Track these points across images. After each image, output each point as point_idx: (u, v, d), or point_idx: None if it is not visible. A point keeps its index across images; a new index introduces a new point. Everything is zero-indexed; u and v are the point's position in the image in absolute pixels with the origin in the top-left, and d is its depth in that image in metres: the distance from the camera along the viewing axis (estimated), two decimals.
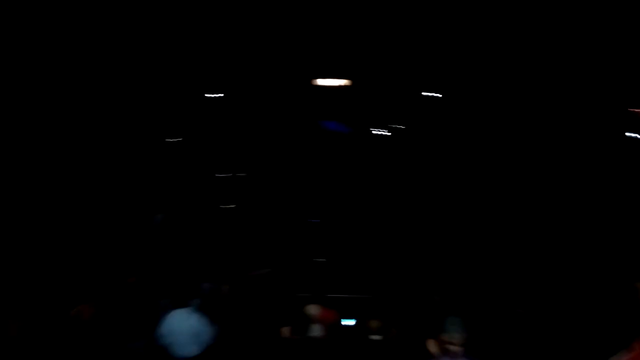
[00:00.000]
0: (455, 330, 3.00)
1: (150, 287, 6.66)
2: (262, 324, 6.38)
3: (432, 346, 3.05)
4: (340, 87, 13.53)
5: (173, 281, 7.07)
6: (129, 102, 12.73)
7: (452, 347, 2.96)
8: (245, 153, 14.70)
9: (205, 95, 13.65)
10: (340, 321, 6.54)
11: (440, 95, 13.66)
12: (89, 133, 11.92)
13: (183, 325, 5.58)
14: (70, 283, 7.03)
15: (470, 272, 9.44)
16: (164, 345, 5.66)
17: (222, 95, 14.15)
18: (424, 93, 13.73)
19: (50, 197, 10.47)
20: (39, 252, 8.49)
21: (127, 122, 12.95)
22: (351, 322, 6.59)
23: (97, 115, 12.02)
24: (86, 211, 10.78)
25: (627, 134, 10.82)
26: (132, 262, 7.49)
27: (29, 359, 5.14)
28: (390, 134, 14.83)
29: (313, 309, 6.13)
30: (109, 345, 6.15)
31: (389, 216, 13.36)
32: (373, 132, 14.86)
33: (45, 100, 10.92)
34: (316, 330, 5.99)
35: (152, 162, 14.17)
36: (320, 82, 13.35)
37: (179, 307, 5.71)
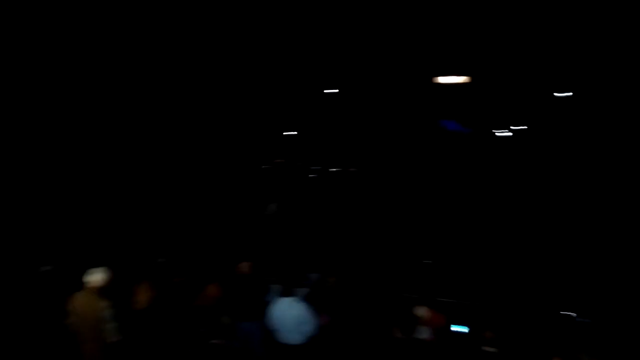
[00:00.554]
0: (589, 354, 2.73)
1: (261, 273, 6.91)
2: (367, 319, 6.30)
3: None
4: (461, 84, 12.92)
5: (282, 269, 7.28)
6: (247, 96, 13.33)
7: None
8: (359, 149, 14.73)
9: (324, 91, 13.83)
10: (449, 326, 6.28)
11: (572, 94, 12.50)
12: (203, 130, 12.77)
13: (288, 313, 5.69)
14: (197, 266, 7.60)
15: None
16: (271, 329, 5.83)
17: (338, 91, 14.24)
18: (555, 93, 12.64)
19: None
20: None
21: (247, 115, 13.63)
22: (463, 329, 6.29)
23: (211, 110, 12.79)
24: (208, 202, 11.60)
25: None
26: (245, 249, 7.85)
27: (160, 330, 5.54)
28: (512, 134, 13.90)
29: (421, 311, 5.95)
30: (221, 323, 6.52)
31: (507, 220, 12.58)
32: (495, 132, 14.02)
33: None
34: (424, 332, 5.80)
35: (265, 155, 14.80)
36: (441, 79, 12.85)
37: (286, 295, 5.83)
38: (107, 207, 11.00)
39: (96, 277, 5.00)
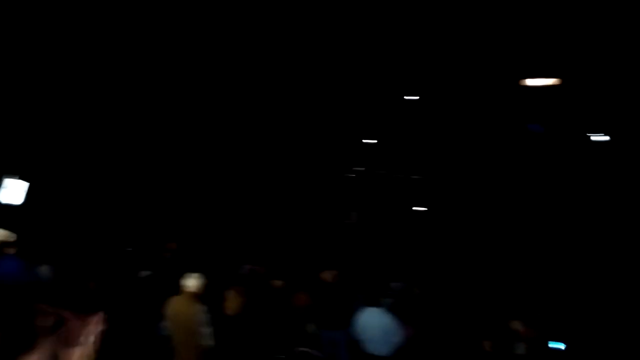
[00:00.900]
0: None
1: (346, 282, 6.95)
2: (453, 331, 6.13)
3: None
4: (550, 86, 12.24)
5: (367, 278, 7.27)
6: (327, 104, 13.46)
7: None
8: (441, 155, 14.40)
9: (404, 97, 13.67)
10: (547, 342, 5.95)
11: None
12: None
13: (375, 323, 5.65)
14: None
15: None
16: (358, 339, 5.82)
17: (418, 97, 14.02)
18: None
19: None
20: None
21: (327, 123, 13.79)
22: (560, 345, 5.94)
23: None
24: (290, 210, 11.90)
25: None
26: (330, 257, 7.94)
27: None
28: (610, 139, 12.93)
29: (517, 325, 5.69)
30: (307, 331, 6.61)
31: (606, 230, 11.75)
32: (590, 137, 13.13)
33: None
34: (518, 348, 5.54)
35: (346, 163, 14.88)
36: (529, 81, 12.25)
37: (373, 305, 5.80)
38: (202, 216, 11.56)
39: (193, 282, 5.26)
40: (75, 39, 10.78)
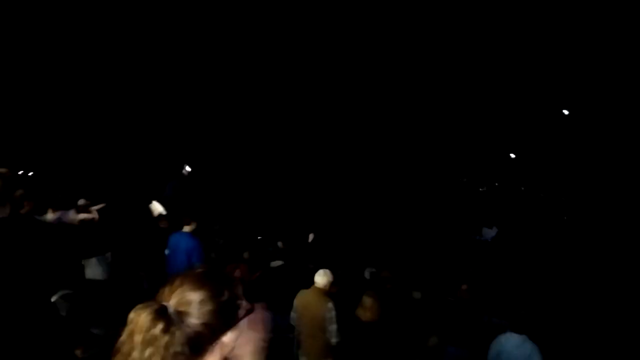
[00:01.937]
0: None
1: (479, 300, 6.55)
2: None
3: None
4: None
5: (505, 300, 6.80)
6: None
7: None
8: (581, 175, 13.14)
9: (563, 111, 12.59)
10: None
11: None
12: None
13: (515, 353, 5.14)
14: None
15: None
16: None
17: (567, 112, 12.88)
18: None
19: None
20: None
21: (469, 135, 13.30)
22: None
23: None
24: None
25: None
26: (461, 272, 7.57)
27: None
28: None
29: None
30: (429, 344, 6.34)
31: None
32: None
33: None
34: None
35: (486, 177, 14.21)
36: None
37: (515, 331, 5.29)
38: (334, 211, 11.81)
39: (323, 278, 5.29)
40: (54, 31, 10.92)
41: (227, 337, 1.30)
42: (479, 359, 5.74)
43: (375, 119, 14.02)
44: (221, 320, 1.28)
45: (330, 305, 5.12)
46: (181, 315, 1.24)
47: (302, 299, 5.42)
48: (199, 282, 1.29)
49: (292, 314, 5.53)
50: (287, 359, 5.66)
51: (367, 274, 8.57)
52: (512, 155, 13.98)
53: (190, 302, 1.25)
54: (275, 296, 6.15)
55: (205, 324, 1.25)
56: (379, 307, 5.23)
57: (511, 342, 5.17)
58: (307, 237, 8.51)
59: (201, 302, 1.26)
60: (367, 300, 5.33)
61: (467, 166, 14.13)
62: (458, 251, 10.26)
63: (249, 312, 1.34)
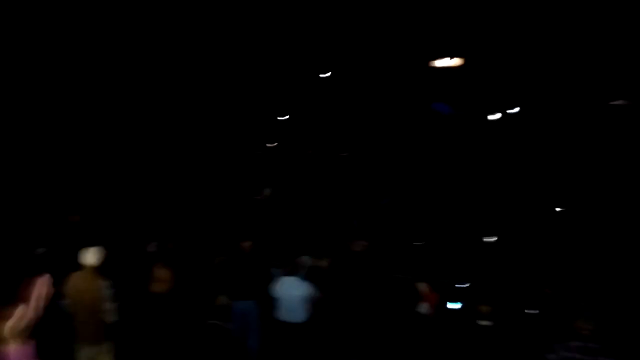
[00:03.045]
0: (588, 317, 2.84)
1: (259, 254, 6.95)
2: (364, 297, 6.43)
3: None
4: (454, 67, 12.89)
5: (280, 250, 7.35)
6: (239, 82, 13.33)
7: (584, 331, 2.81)
8: (351, 133, 14.76)
9: (319, 75, 13.73)
10: (445, 303, 6.49)
11: (565, 76, 12.46)
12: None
13: (291, 292, 5.76)
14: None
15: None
16: (273, 308, 5.91)
17: (330, 74, 14.17)
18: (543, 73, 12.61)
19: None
20: None
21: (239, 100, 13.63)
22: (457, 305, 6.50)
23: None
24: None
25: None
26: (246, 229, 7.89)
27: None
28: (503, 117, 13.94)
29: (422, 287, 6.14)
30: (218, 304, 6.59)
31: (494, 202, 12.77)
32: (487, 116, 14.06)
33: None
34: (424, 308, 5.98)
35: (259, 140, 14.86)
36: (434, 62, 12.81)
37: (288, 274, 5.92)
38: (107, 192, 11.08)
39: (92, 256, 4.97)
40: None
41: None
42: (264, 307, 6.26)
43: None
44: None
45: (105, 283, 4.88)
46: None
47: (74, 282, 5.03)
48: None
49: (65, 301, 5.10)
50: None
51: (152, 248, 8.35)
52: (285, 117, 15.00)
53: None
54: None
55: None
56: (172, 277, 5.26)
57: (287, 284, 5.79)
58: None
59: None
60: (160, 272, 5.29)
61: (245, 130, 14.58)
62: (242, 212, 10.63)
63: None
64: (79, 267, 4.99)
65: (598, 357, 2.81)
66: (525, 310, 6.60)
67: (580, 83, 12.28)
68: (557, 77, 12.51)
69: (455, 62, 12.49)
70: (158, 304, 5.49)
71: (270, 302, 6.01)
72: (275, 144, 15.52)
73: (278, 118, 14.91)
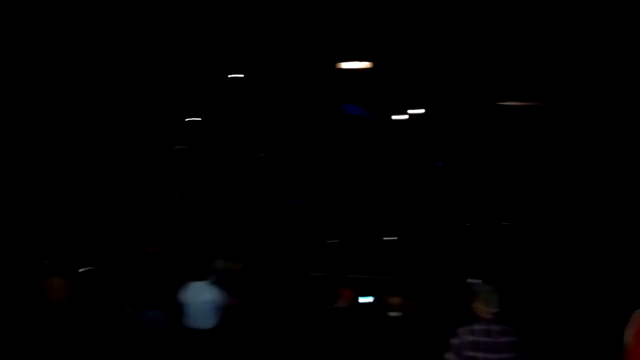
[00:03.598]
0: (489, 297, 2.99)
1: (170, 259, 6.70)
2: (277, 298, 6.44)
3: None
4: (362, 70, 13.25)
5: (190, 255, 7.14)
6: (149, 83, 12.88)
7: (485, 313, 2.95)
8: (263, 134, 14.74)
9: (228, 76, 13.54)
10: (357, 298, 6.68)
11: (465, 80, 13.28)
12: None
13: (200, 297, 5.58)
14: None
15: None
16: (181, 315, 5.69)
17: (243, 76, 14.03)
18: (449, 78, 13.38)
19: None
20: None
21: (149, 102, 13.13)
22: (369, 299, 6.74)
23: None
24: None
25: None
26: (153, 234, 7.58)
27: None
28: (408, 118, 14.56)
29: (338, 284, 6.42)
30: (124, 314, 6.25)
31: (404, 200, 13.30)
32: (392, 117, 14.60)
33: None
34: (340, 303, 6.22)
35: (169, 142, 14.38)
36: (342, 64, 13.09)
37: (197, 280, 5.73)
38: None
39: None
40: None
41: None
42: (173, 315, 6.01)
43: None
44: None
45: None
46: None
47: None
48: None
49: None
50: None
51: (47, 260, 7.77)
52: (197, 119, 14.57)
53: None
54: None
55: None
56: (67, 287, 5.13)
57: (196, 289, 5.60)
58: None
59: None
60: (56, 282, 5.22)
61: (154, 131, 14.04)
62: (151, 216, 10.23)
63: None
64: None
65: (500, 338, 2.97)
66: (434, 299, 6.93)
67: (478, 84, 13.13)
68: (458, 80, 13.29)
69: (364, 64, 12.85)
70: (56, 315, 5.20)
71: (178, 310, 5.79)
72: (186, 146, 15.13)
73: (186, 119, 14.52)
